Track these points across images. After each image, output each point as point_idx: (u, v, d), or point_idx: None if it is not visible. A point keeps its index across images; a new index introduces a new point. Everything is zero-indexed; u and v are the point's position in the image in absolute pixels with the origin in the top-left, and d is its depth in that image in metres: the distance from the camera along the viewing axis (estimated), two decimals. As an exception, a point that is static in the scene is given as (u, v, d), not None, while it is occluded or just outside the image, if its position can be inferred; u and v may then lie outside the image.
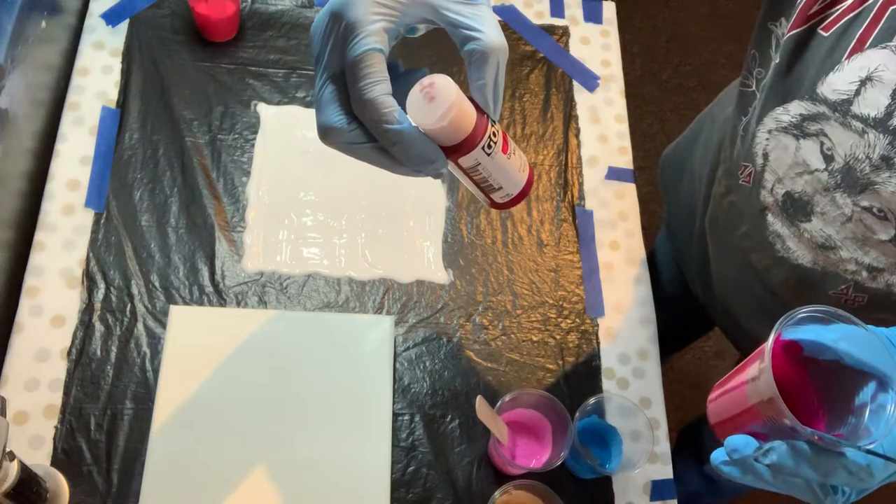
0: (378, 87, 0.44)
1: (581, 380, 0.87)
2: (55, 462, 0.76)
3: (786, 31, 0.62)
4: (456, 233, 0.93)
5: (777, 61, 0.63)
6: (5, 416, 0.60)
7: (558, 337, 0.89)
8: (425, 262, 0.90)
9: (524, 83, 1.03)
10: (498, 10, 1.07)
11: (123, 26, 0.96)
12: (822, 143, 0.60)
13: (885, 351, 0.45)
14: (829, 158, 0.59)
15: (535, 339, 0.89)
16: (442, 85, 0.44)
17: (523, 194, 0.51)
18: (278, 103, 0.96)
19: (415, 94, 0.44)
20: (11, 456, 0.63)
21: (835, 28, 0.58)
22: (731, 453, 0.47)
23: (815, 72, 0.59)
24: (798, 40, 0.61)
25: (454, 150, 0.46)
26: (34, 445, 0.76)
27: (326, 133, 0.46)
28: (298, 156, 0.93)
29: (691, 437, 1.28)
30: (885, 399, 0.45)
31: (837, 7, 0.58)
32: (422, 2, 0.45)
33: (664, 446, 0.86)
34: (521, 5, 1.08)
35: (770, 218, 0.67)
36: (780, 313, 0.74)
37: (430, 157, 0.45)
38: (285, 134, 0.94)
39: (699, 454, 1.23)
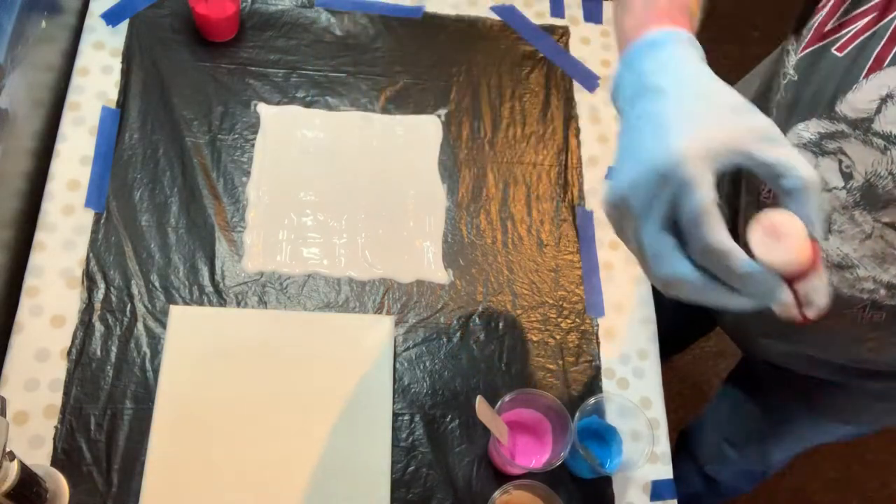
0: (723, 234, 0.46)
1: (581, 380, 0.87)
2: (55, 462, 0.76)
3: (799, 49, 0.63)
4: (456, 233, 0.93)
5: (794, 79, 0.63)
6: (5, 416, 0.60)
7: (558, 337, 0.89)
8: (425, 262, 0.90)
9: (524, 83, 1.03)
10: (498, 10, 1.07)
11: (123, 26, 0.96)
12: (840, 161, 0.60)
13: None
14: (847, 176, 0.60)
15: (535, 339, 0.89)
16: (788, 223, 0.46)
17: (827, 307, 0.53)
18: (278, 103, 0.96)
19: (759, 234, 0.47)
20: (11, 456, 0.63)
21: (849, 48, 0.58)
22: None
23: (832, 91, 0.59)
24: (812, 59, 0.61)
25: (793, 278, 0.48)
26: (34, 445, 0.76)
27: (673, 284, 0.49)
28: (298, 156, 0.93)
29: (692, 437, 1.28)
30: None
31: (851, 27, 0.58)
32: (737, 150, 0.47)
33: (664, 446, 0.86)
34: (521, 5, 1.08)
35: None
36: (794, 330, 0.74)
37: (777, 293, 0.48)
38: (285, 134, 0.94)
39: (700, 455, 1.23)
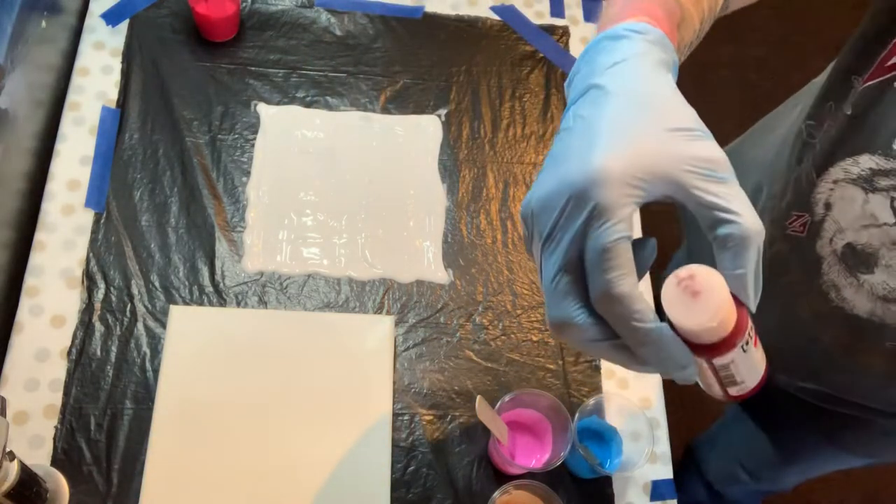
0: (628, 279, 0.39)
1: (581, 380, 0.87)
2: (55, 462, 0.76)
3: (861, 82, 0.60)
4: (456, 233, 0.93)
5: (849, 113, 0.61)
6: (5, 416, 0.60)
7: (558, 337, 0.89)
8: (425, 262, 0.90)
9: (524, 83, 1.03)
10: (498, 10, 1.07)
11: (123, 26, 0.96)
12: (892, 199, 0.58)
13: None
14: None
15: (535, 339, 0.89)
16: (706, 278, 0.38)
17: (760, 385, 0.45)
18: (278, 103, 0.96)
19: (672, 288, 0.38)
20: (11, 456, 0.63)
21: None
22: None
23: (892, 128, 0.56)
24: (874, 92, 0.59)
25: (709, 349, 0.40)
26: (34, 445, 0.76)
27: (562, 329, 0.41)
28: (298, 156, 0.93)
29: (701, 453, 1.26)
30: None
31: None
32: (669, 180, 0.40)
33: (664, 446, 0.86)
34: (521, 5, 1.08)
35: (825, 268, 0.65)
36: (824, 366, 0.70)
37: (682, 362, 0.40)
38: (285, 134, 0.94)
39: (708, 472, 1.22)
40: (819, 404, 0.81)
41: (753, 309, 0.41)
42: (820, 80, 0.82)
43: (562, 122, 0.45)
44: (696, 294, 0.38)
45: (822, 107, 0.67)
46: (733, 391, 0.44)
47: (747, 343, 0.41)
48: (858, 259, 0.62)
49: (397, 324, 0.87)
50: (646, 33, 0.45)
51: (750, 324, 0.41)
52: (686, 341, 0.40)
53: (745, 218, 0.39)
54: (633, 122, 0.41)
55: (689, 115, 0.42)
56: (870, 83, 0.59)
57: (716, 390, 0.45)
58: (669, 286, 0.39)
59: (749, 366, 0.42)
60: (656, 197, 0.41)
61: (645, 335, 0.39)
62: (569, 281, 0.40)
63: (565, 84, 0.48)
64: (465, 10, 1.06)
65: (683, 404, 1.60)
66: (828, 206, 0.64)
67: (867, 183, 0.59)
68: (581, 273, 0.40)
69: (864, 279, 0.62)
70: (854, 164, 0.60)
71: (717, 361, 0.41)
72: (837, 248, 0.64)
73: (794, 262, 0.69)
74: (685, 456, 1.29)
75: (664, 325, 0.39)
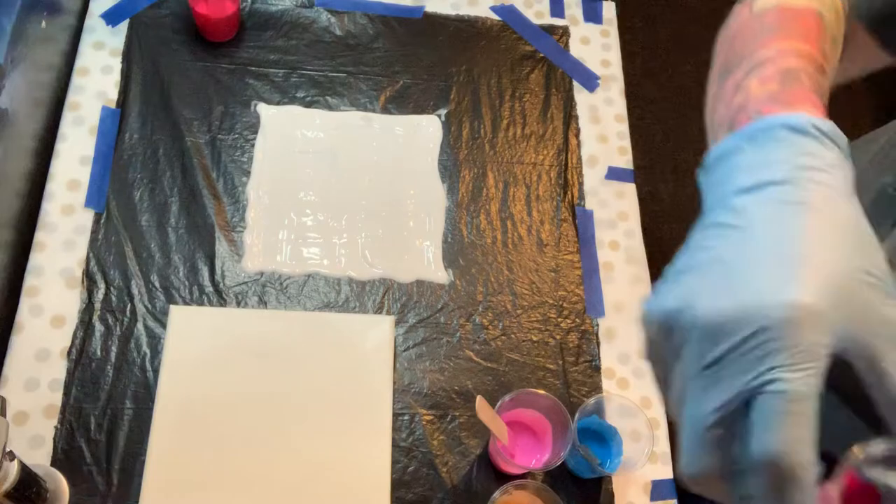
0: (807, 449, 0.32)
1: (581, 380, 0.87)
2: (55, 462, 0.76)
3: None
4: (456, 233, 0.93)
5: None
6: (5, 416, 0.60)
7: (558, 337, 0.89)
8: (425, 262, 0.90)
9: (524, 83, 1.03)
10: (498, 10, 1.07)
11: (123, 26, 0.96)
12: None
13: None
14: None
15: (535, 339, 0.89)
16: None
17: None
18: (278, 103, 0.96)
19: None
20: (11, 456, 0.63)
21: None
22: None
23: None
24: None
25: None
26: (34, 445, 0.76)
27: (703, 484, 0.35)
28: (298, 156, 0.94)
29: None
30: None
31: None
32: (857, 340, 0.34)
33: (664, 446, 0.86)
34: (521, 5, 1.08)
35: None
36: None
37: None
38: (285, 134, 0.94)
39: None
40: None
41: None
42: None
43: (723, 209, 0.38)
44: None
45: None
46: None
47: None
48: None
49: (397, 324, 0.87)
50: (838, 140, 0.39)
51: None
52: None
53: None
54: (837, 255, 0.34)
55: (882, 261, 0.35)
56: None
57: None
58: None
59: None
60: (835, 351, 0.34)
61: None
62: (726, 427, 0.34)
63: (707, 162, 0.41)
64: (465, 10, 1.06)
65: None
66: None
67: None
68: (738, 420, 0.33)
69: None
70: None
71: None
72: None
73: None
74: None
75: None
